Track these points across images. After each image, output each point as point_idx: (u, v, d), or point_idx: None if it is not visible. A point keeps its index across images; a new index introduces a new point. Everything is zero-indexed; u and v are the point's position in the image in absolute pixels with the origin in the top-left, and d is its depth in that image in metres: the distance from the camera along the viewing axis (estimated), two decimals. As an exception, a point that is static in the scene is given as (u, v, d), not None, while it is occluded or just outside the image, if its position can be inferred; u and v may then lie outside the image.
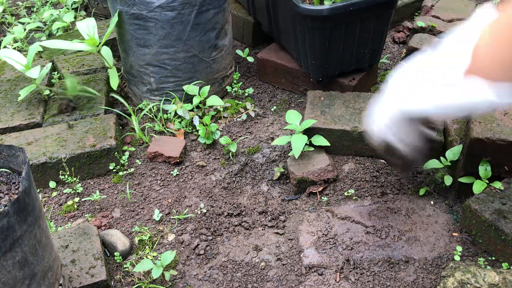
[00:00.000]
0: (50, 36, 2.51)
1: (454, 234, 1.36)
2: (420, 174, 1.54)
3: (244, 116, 1.82)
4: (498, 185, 1.33)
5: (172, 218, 1.46)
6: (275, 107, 1.89)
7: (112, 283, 1.27)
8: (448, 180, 1.44)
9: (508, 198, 1.30)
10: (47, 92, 1.81)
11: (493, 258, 1.28)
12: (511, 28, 0.82)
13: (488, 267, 1.24)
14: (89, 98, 1.85)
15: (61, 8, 2.71)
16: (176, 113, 1.78)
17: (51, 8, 2.70)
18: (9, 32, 2.48)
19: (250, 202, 1.51)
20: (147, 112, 1.82)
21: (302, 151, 1.61)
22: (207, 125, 1.71)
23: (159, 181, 1.59)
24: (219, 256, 1.35)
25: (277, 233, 1.41)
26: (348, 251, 1.32)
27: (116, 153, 1.61)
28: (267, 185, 1.57)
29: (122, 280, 1.29)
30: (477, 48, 0.88)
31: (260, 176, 1.60)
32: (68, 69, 2.01)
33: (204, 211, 1.48)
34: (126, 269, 1.31)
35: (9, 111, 1.79)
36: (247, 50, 2.05)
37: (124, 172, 1.62)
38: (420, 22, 2.19)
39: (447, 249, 1.32)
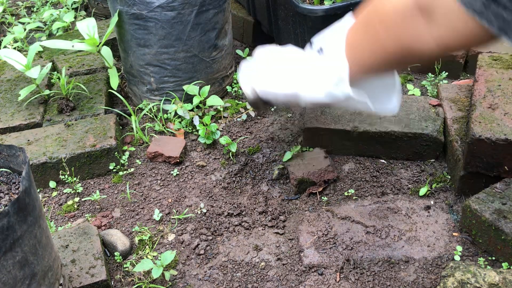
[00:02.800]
0: (50, 36, 2.51)
1: (454, 234, 1.36)
2: (421, 173, 1.54)
3: (244, 116, 1.82)
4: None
5: (172, 218, 1.46)
6: (275, 107, 1.89)
7: (112, 283, 1.27)
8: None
9: (508, 198, 1.30)
10: (47, 92, 1.81)
11: (493, 258, 1.28)
12: (373, 16, 0.84)
13: (488, 267, 1.24)
14: (89, 98, 1.85)
15: (61, 8, 2.71)
16: (176, 113, 1.78)
17: (51, 8, 2.70)
18: (9, 32, 2.48)
19: (250, 202, 1.51)
20: (147, 112, 1.82)
21: (302, 151, 1.61)
22: (207, 125, 1.71)
23: (159, 181, 1.59)
24: (219, 256, 1.35)
25: (277, 233, 1.41)
26: (348, 251, 1.32)
27: (116, 153, 1.61)
28: (267, 185, 1.57)
29: (122, 280, 1.29)
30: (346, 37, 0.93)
31: (260, 176, 1.60)
32: (68, 69, 2.01)
33: (204, 211, 1.48)
34: (126, 269, 1.31)
35: (9, 111, 1.79)
36: (247, 50, 2.05)
37: (124, 172, 1.62)
38: (420, 22, 2.18)
39: (447, 249, 1.32)
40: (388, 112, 1.02)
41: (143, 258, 1.34)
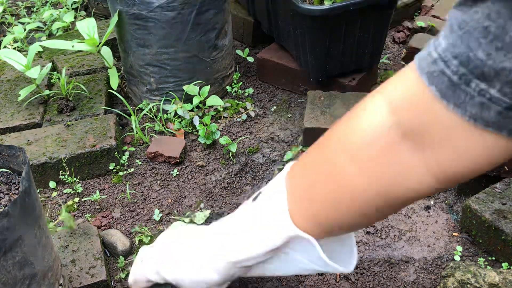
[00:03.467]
0: (50, 36, 2.51)
1: (454, 234, 1.36)
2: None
3: (244, 116, 1.82)
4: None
5: (172, 218, 1.46)
6: (275, 107, 1.89)
7: (112, 283, 1.27)
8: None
9: (508, 198, 1.30)
10: (47, 92, 1.81)
11: (493, 258, 1.28)
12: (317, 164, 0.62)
13: (488, 267, 1.24)
14: (89, 98, 1.85)
15: (61, 8, 2.71)
16: (176, 113, 1.78)
17: (51, 8, 2.70)
18: (9, 32, 2.48)
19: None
20: (147, 112, 1.82)
21: (302, 151, 1.61)
22: (207, 125, 1.71)
23: (159, 181, 1.59)
24: (219, 256, 1.35)
25: (277, 233, 1.41)
26: (348, 251, 1.32)
27: (116, 153, 1.61)
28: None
29: (122, 280, 1.29)
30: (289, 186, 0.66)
31: (260, 176, 1.60)
32: (68, 69, 2.01)
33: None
34: (126, 269, 1.31)
35: (9, 111, 1.79)
36: (247, 50, 2.05)
37: (124, 172, 1.62)
38: (420, 22, 2.19)
39: (447, 249, 1.32)
40: (342, 271, 0.70)
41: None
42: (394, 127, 0.54)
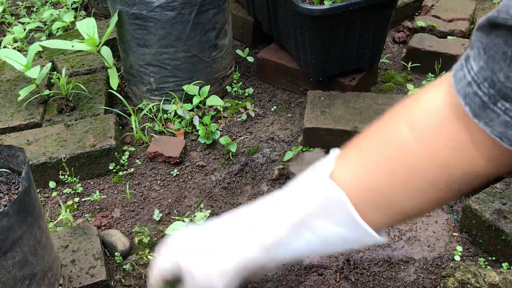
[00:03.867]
0: (50, 36, 2.50)
1: (454, 234, 1.36)
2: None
3: (244, 116, 1.82)
4: None
5: (172, 218, 1.46)
6: (275, 107, 1.89)
7: (112, 283, 1.27)
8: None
9: (508, 198, 1.30)
10: (46, 92, 1.81)
11: (493, 258, 1.28)
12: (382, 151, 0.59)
13: (488, 267, 1.24)
14: (88, 98, 1.85)
15: (61, 8, 2.71)
16: (176, 113, 1.78)
17: (51, 8, 2.70)
18: (9, 32, 2.48)
19: (250, 202, 1.51)
20: (147, 112, 1.82)
21: (302, 151, 1.61)
22: (207, 125, 1.71)
23: (159, 181, 1.59)
24: (219, 256, 1.35)
25: (277, 233, 1.41)
26: (348, 251, 1.32)
27: (116, 153, 1.61)
28: (267, 185, 1.57)
29: (122, 280, 1.28)
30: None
31: (260, 176, 1.60)
32: (68, 69, 2.01)
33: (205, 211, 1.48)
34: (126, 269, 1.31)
35: (9, 111, 1.79)
36: (247, 50, 2.05)
37: (124, 172, 1.62)
38: (420, 22, 2.19)
39: (447, 249, 1.32)
40: (380, 242, 0.66)
41: (143, 258, 1.34)
42: (451, 106, 0.56)
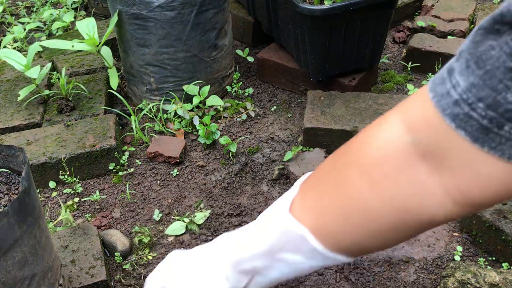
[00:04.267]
0: (50, 36, 2.50)
1: (454, 234, 1.36)
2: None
3: (244, 116, 1.82)
4: None
5: (172, 218, 1.46)
6: (275, 107, 1.89)
7: (112, 283, 1.27)
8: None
9: (508, 198, 1.29)
10: (46, 92, 1.81)
11: (494, 258, 1.27)
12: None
13: (489, 267, 1.24)
14: (88, 98, 1.85)
15: (61, 8, 2.71)
16: (176, 113, 1.78)
17: (51, 8, 2.70)
18: (9, 32, 2.48)
19: (250, 202, 1.51)
20: (147, 112, 1.82)
21: (302, 151, 1.61)
22: (207, 125, 1.71)
23: (159, 181, 1.59)
24: (219, 256, 1.35)
25: (277, 233, 1.41)
26: (348, 251, 1.32)
27: (116, 153, 1.60)
28: (267, 185, 1.57)
29: (122, 280, 1.28)
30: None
31: (260, 176, 1.60)
32: (68, 69, 2.01)
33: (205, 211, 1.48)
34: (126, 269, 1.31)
35: (8, 111, 1.79)
36: (247, 50, 2.05)
37: (124, 172, 1.62)
38: (420, 22, 2.18)
39: (447, 249, 1.32)
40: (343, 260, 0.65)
41: (143, 258, 1.34)
42: (410, 145, 0.50)
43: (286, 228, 0.61)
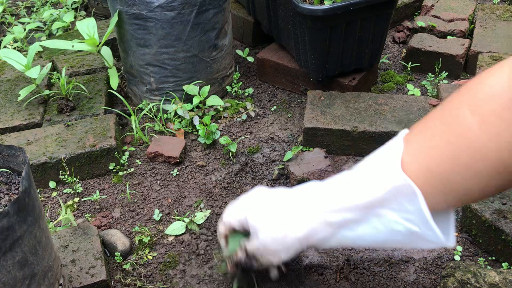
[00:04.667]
0: (50, 36, 2.51)
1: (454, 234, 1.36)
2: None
3: (244, 116, 1.82)
4: None
5: (172, 218, 1.46)
6: (275, 107, 1.89)
7: (112, 283, 1.27)
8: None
9: (508, 198, 1.30)
10: (46, 92, 1.81)
11: (493, 258, 1.28)
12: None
13: (488, 267, 1.24)
14: (88, 98, 1.85)
15: (61, 8, 2.71)
16: (176, 113, 1.78)
17: (51, 8, 2.70)
18: (9, 32, 2.48)
19: (250, 202, 1.51)
20: (147, 112, 1.82)
21: (302, 151, 1.61)
22: (207, 125, 1.71)
23: (159, 181, 1.59)
24: (219, 256, 1.35)
25: (277, 233, 1.41)
26: (348, 251, 1.32)
27: (116, 153, 1.61)
28: (267, 185, 1.57)
29: (122, 280, 1.28)
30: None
31: (260, 176, 1.60)
32: (68, 69, 2.01)
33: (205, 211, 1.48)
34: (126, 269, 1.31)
35: (9, 111, 1.79)
36: (247, 50, 2.05)
37: (124, 172, 1.62)
38: (420, 22, 2.19)
39: (447, 249, 1.32)
40: (445, 245, 0.66)
41: (143, 258, 1.34)
42: None
43: (396, 184, 0.59)
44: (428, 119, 0.62)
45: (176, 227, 1.41)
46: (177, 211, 1.49)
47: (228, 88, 1.96)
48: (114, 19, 1.72)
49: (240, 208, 0.77)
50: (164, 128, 1.78)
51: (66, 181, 1.56)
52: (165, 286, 1.27)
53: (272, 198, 0.75)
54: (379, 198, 0.61)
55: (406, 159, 0.60)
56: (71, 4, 2.67)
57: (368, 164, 0.65)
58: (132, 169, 1.63)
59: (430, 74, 1.97)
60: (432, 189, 0.59)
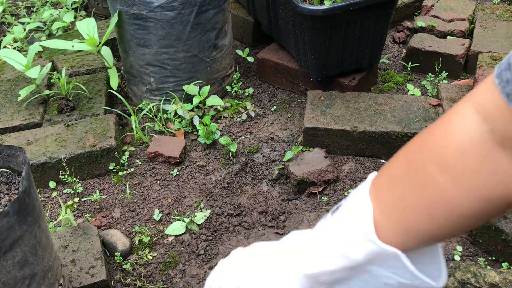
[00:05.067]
0: (50, 36, 2.50)
1: (454, 234, 1.36)
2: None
3: (244, 116, 1.82)
4: None
5: (172, 218, 1.46)
6: (275, 107, 1.89)
7: (112, 283, 1.27)
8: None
9: (508, 198, 1.30)
10: (46, 92, 1.81)
11: (493, 258, 1.27)
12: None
13: (488, 267, 1.24)
14: (88, 98, 1.85)
15: (61, 8, 2.71)
16: (176, 113, 1.78)
17: (51, 8, 2.70)
18: (9, 32, 2.48)
19: (250, 202, 1.51)
20: (147, 112, 1.82)
21: (302, 151, 1.61)
22: (207, 125, 1.71)
23: (159, 181, 1.59)
24: (219, 256, 1.35)
25: (277, 233, 1.41)
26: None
27: (116, 153, 1.61)
28: (267, 185, 1.57)
29: (122, 280, 1.28)
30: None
31: (260, 176, 1.60)
32: (68, 69, 2.01)
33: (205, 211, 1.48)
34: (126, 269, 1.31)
35: (9, 111, 1.79)
36: (247, 50, 2.05)
37: (124, 172, 1.62)
38: (420, 22, 2.19)
39: (447, 249, 1.32)
40: (431, 284, 0.64)
41: (143, 258, 1.34)
42: (487, 135, 0.50)
43: (375, 250, 0.60)
44: (396, 174, 0.61)
45: (176, 227, 1.42)
46: (177, 211, 1.49)
47: (228, 88, 1.96)
48: (114, 19, 1.72)
49: (230, 276, 0.76)
50: (164, 128, 1.78)
51: (66, 181, 1.56)
52: (165, 286, 1.27)
53: (256, 265, 0.74)
54: (361, 260, 0.62)
55: (380, 220, 0.61)
56: (71, 4, 2.67)
57: (341, 224, 0.64)
58: (132, 169, 1.63)
59: (430, 74, 1.97)
60: (412, 246, 0.60)
